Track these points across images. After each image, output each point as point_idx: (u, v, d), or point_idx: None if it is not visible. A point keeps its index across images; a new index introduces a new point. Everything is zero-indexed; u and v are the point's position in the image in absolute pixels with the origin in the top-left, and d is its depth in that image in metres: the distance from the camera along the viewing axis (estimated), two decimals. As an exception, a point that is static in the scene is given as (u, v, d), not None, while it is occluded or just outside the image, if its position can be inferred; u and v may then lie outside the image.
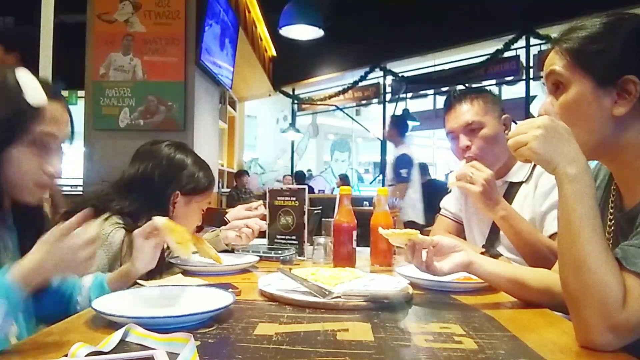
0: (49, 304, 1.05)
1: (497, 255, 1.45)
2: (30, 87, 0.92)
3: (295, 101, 11.29)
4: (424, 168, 6.57)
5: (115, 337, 0.73)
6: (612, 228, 0.91)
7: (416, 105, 9.97)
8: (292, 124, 10.83)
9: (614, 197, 0.92)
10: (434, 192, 5.47)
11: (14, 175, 0.92)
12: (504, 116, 1.54)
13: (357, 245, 1.51)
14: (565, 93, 0.86)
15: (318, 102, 10.83)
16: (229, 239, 1.58)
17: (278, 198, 1.68)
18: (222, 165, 7.15)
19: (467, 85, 8.41)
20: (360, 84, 9.27)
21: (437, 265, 1.03)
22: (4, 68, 0.93)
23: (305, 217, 1.62)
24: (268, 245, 1.68)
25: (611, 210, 0.92)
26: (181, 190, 1.47)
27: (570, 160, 0.78)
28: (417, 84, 9.28)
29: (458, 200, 1.75)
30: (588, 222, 0.75)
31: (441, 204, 1.82)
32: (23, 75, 0.92)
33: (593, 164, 0.98)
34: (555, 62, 0.88)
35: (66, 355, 0.67)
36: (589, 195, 0.77)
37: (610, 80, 0.82)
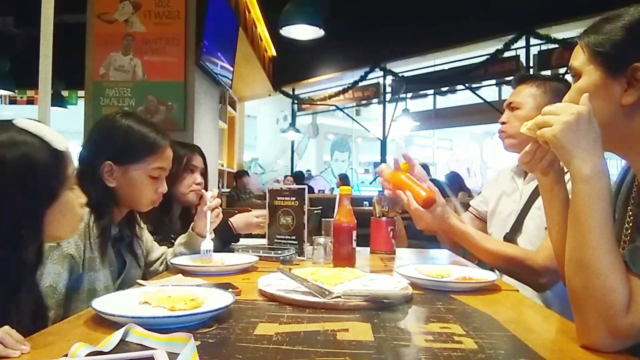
0: None
1: None
2: (51, 134, 0.89)
3: (295, 101, 11.29)
4: (424, 169, 6.57)
5: (115, 337, 0.73)
6: (631, 224, 0.89)
7: (416, 105, 9.97)
8: (292, 124, 10.82)
9: (635, 192, 0.91)
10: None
11: (65, 219, 0.93)
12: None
13: (357, 245, 1.50)
14: (578, 81, 0.86)
15: (318, 102, 10.83)
16: (200, 227, 1.55)
17: (278, 198, 1.68)
18: (222, 165, 7.15)
19: (466, 85, 8.44)
20: (360, 84, 9.29)
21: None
22: (8, 133, 0.85)
23: (305, 217, 1.62)
24: (268, 245, 1.68)
25: (631, 207, 0.90)
26: (113, 159, 1.30)
27: (586, 159, 0.76)
28: (417, 84, 9.29)
29: (484, 203, 1.80)
30: (598, 223, 0.74)
31: (471, 203, 1.87)
32: (38, 127, 0.88)
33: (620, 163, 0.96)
34: (576, 57, 0.87)
35: (66, 355, 0.67)
36: (601, 196, 0.75)
37: (620, 69, 0.81)
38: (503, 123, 1.60)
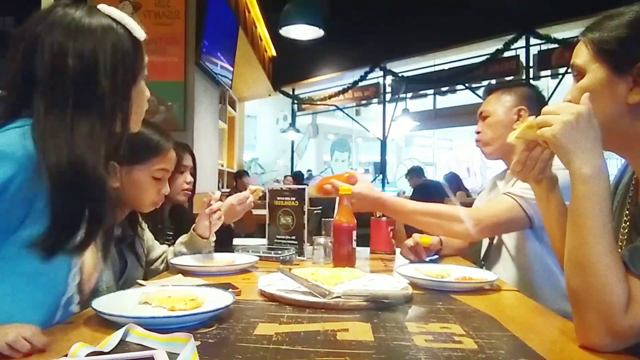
0: None
1: None
2: (131, 21, 0.93)
3: (295, 101, 11.29)
4: (419, 171, 6.58)
5: (115, 337, 0.73)
6: (628, 223, 0.88)
7: (416, 105, 9.96)
8: (292, 124, 10.82)
9: (632, 191, 0.90)
10: (429, 194, 5.46)
11: (140, 107, 0.97)
12: (518, 107, 1.60)
13: (357, 245, 1.51)
14: (582, 79, 0.85)
15: (318, 102, 10.83)
16: (202, 229, 1.54)
17: (278, 198, 1.68)
18: (222, 165, 7.15)
19: (466, 85, 8.45)
20: (360, 84, 9.28)
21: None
22: (94, 10, 0.90)
23: (305, 217, 1.62)
24: (268, 245, 1.68)
25: (628, 207, 0.89)
26: (117, 160, 1.26)
27: (586, 159, 0.75)
28: (417, 84, 9.29)
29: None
30: (597, 223, 0.74)
31: None
32: (118, 12, 0.91)
33: (619, 161, 0.96)
34: (578, 54, 0.86)
35: (66, 355, 0.67)
36: (601, 197, 0.75)
37: (627, 68, 0.80)
38: (478, 132, 1.68)
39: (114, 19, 0.90)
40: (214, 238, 1.54)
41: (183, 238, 1.59)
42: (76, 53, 0.83)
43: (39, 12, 0.88)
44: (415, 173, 6.48)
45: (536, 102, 1.62)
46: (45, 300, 0.87)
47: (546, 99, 7.53)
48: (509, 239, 1.55)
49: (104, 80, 0.85)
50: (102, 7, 0.91)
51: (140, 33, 0.94)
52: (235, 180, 7.37)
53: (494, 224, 1.43)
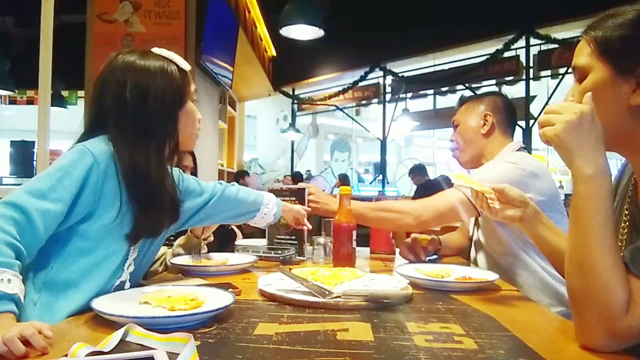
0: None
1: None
2: (177, 57, 1.14)
3: (295, 101, 11.29)
4: (421, 169, 6.57)
5: (115, 337, 0.73)
6: (627, 223, 0.88)
7: (416, 105, 9.96)
8: (292, 124, 10.82)
9: (632, 191, 0.90)
10: (433, 193, 5.44)
11: (190, 126, 1.15)
12: (484, 113, 1.68)
13: (357, 245, 1.50)
14: (585, 80, 0.84)
15: (318, 102, 10.83)
16: (198, 230, 1.56)
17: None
18: (222, 165, 7.15)
19: (466, 85, 8.46)
20: (360, 84, 9.29)
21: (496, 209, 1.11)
22: (146, 53, 1.11)
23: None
24: (268, 245, 1.68)
25: (627, 206, 0.89)
26: None
27: (588, 159, 0.75)
28: (417, 84, 9.29)
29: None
30: (598, 224, 0.74)
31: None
32: (166, 52, 1.13)
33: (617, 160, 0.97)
34: (580, 54, 0.86)
35: (66, 355, 0.67)
36: (603, 197, 0.74)
37: (630, 69, 0.79)
38: (452, 141, 1.77)
39: (163, 57, 1.11)
40: (212, 238, 1.55)
41: (180, 240, 1.59)
42: (132, 87, 1.04)
43: (106, 64, 1.11)
44: (418, 171, 6.47)
45: (503, 109, 1.69)
46: (104, 276, 1.02)
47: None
48: (482, 229, 1.63)
49: (153, 106, 1.05)
50: (154, 49, 1.13)
51: (185, 65, 1.14)
52: (236, 180, 7.37)
53: (436, 215, 1.50)
